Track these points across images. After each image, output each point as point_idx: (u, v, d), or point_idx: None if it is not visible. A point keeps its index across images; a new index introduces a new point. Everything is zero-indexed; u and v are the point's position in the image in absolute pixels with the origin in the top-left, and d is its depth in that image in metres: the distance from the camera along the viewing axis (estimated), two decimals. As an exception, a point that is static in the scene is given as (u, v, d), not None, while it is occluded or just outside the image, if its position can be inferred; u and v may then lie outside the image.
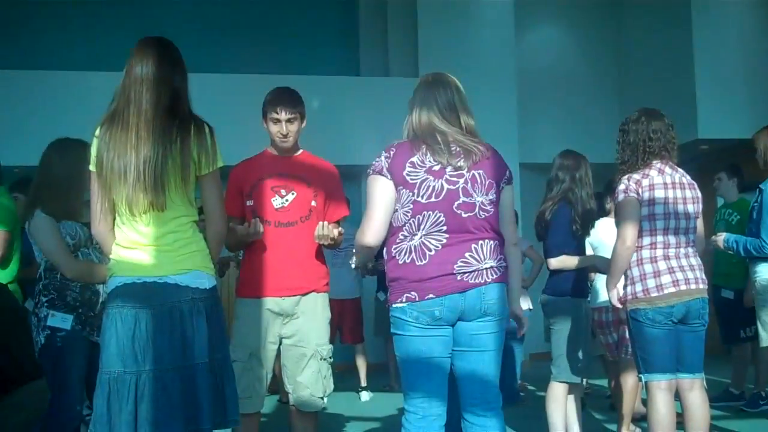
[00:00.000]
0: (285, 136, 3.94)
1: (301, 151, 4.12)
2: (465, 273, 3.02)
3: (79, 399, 3.83)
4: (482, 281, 3.04)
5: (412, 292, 3.02)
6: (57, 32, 10.31)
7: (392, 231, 3.14)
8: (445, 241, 3.04)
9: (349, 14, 11.58)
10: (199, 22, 10.54)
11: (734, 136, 9.47)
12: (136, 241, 2.90)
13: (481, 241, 3.08)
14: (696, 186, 4.10)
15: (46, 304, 3.83)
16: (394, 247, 3.11)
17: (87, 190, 3.11)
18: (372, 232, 3.13)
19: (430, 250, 3.03)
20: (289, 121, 3.93)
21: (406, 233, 3.08)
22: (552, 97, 11.37)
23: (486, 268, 3.06)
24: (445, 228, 3.04)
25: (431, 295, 3.00)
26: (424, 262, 3.03)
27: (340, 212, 4.12)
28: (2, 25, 10.12)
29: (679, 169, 4.10)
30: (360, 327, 8.11)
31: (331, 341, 7.12)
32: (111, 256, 2.98)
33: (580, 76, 11.60)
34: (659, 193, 3.94)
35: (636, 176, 4.01)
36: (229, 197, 3.93)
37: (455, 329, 3.09)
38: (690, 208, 3.99)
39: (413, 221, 3.06)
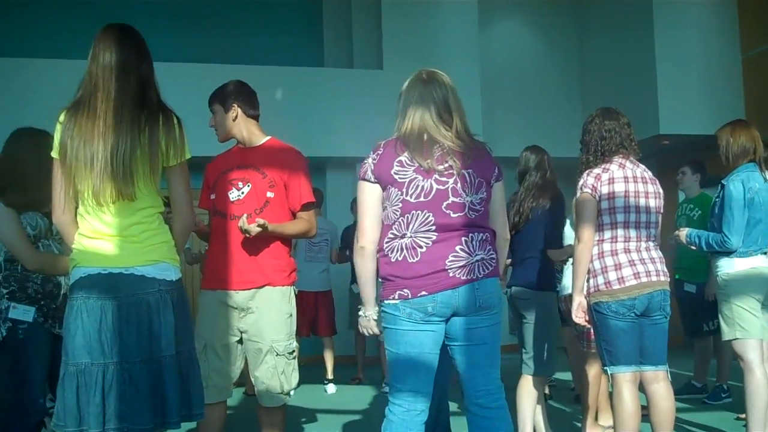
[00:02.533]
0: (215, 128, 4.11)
1: (267, 139, 4.10)
2: (457, 268, 3.04)
3: (42, 392, 3.77)
4: (474, 277, 3.06)
5: (405, 290, 3.04)
6: (19, 20, 10.12)
7: (383, 229, 3.16)
8: (435, 237, 3.06)
9: (314, 5, 11.53)
10: (164, 10, 10.41)
11: (694, 132, 9.62)
12: (100, 231, 2.85)
13: (471, 234, 3.10)
14: (657, 182, 4.16)
15: (6, 296, 3.76)
16: (385, 244, 3.13)
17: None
18: (364, 238, 3.17)
19: (421, 248, 3.05)
20: (213, 115, 4.09)
21: (396, 232, 3.10)
22: (515, 91, 11.44)
23: (477, 261, 3.08)
24: (434, 228, 3.07)
25: (424, 293, 3.02)
26: (415, 259, 3.05)
27: (301, 198, 4.02)
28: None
29: (641, 165, 4.15)
30: (333, 319, 8.16)
31: (304, 334, 7.09)
32: (74, 246, 2.92)
33: (543, 71, 11.68)
34: (619, 187, 3.99)
35: (596, 170, 4.07)
36: (202, 191, 4.06)
37: (451, 324, 3.11)
38: (651, 202, 4.04)
39: (402, 220, 3.08)
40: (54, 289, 3.84)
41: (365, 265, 3.19)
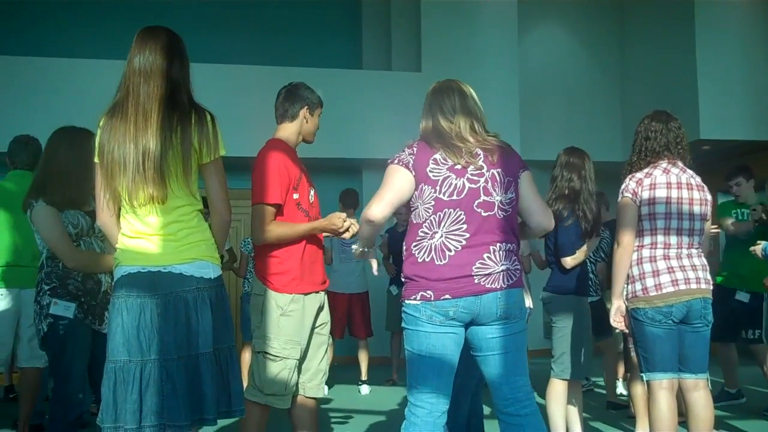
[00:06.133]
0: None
1: None
2: (482, 276, 3.05)
3: (81, 387, 3.83)
4: (498, 287, 3.06)
5: (428, 291, 3.04)
6: (58, 19, 10.28)
7: (412, 228, 3.15)
8: (464, 242, 3.06)
9: (353, 8, 11.57)
10: (203, 12, 10.52)
11: (736, 137, 9.48)
12: (140, 230, 2.89)
13: (499, 244, 3.10)
14: (705, 188, 4.10)
15: (48, 293, 3.82)
16: (414, 244, 3.13)
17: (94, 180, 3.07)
18: (378, 208, 3.12)
19: (450, 251, 3.06)
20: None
21: (426, 230, 3.10)
22: (554, 95, 11.38)
23: (502, 271, 3.08)
24: (465, 227, 3.07)
25: (447, 296, 3.03)
26: (443, 261, 3.05)
27: None
28: (3, 11, 10.10)
29: (688, 170, 4.09)
30: (369, 321, 8.18)
31: (338, 336, 7.22)
32: (117, 246, 2.96)
33: (582, 75, 11.60)
34: (661, 193, 3.95)
35: (639, 175, 4.03)
36: (281, 185, 3.79)
37: (472, 334, 3.12)
38: (695, 209, 3.99)
39: (434, 218, 3.08)
40: (95, 286, 3.90)
41: (370, 229, 3.27)
